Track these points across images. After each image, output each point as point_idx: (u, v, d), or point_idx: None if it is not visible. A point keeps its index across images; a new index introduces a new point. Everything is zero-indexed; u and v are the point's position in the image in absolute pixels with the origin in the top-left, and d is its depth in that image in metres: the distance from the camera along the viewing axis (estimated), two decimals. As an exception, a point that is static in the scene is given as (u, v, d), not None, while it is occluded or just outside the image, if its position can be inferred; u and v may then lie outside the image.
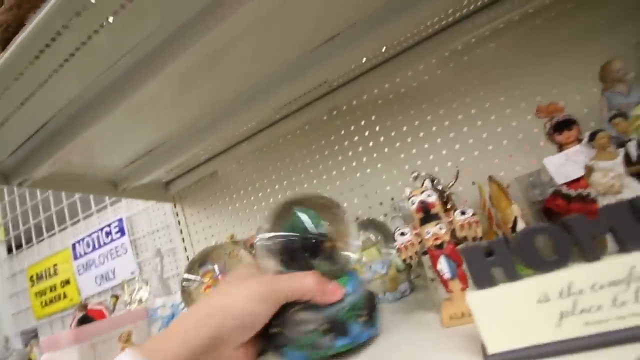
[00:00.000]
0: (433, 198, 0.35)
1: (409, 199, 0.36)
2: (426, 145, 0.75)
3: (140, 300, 0.65)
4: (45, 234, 1.47)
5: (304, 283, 0.31)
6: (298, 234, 0.33)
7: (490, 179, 0.40)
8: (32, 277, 1.49)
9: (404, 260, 0.36)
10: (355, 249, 0.37)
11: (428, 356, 0.27)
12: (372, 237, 0.54)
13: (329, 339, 0.30)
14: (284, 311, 0.31)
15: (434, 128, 0.75)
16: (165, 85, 0.61)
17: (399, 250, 0.36)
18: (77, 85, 0.56)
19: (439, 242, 0.34)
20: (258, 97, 0.73)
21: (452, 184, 0.55)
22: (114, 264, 1.26)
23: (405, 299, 0.49)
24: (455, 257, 0.33)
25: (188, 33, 0.50)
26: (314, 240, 0.33)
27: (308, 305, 0.31)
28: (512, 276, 0.23)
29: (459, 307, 0.32)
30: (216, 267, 0.47)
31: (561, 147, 0.47)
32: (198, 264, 0.47)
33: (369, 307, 0.33)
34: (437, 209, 0.35)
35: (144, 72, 0.55)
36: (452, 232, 0.34)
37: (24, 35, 0.43)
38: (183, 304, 0.56)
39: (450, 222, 0.35)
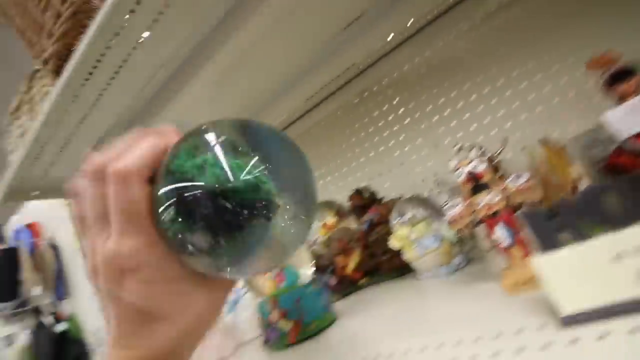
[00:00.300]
0: (481, 167, 0.34)
1: (456, 171, 0.35)
2: (467, 115, 0.72)
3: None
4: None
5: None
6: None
7: (543, 142, 0.38)
8: (108, 277, 1.65)
9: (457, 233, 0.36)
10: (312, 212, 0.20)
11: (500, 322, 0.27)
12: (420, 212, 0.54)
13: None
14: None
15: (473, 96, 0.71)
16: (200, 88, 0.64)
17: (450, 223, 0.35)
18: (125, 100, 0.60)
19: (493, 210, 0.33)
20: (288, 88, 0.73)
21: (500, 152, 0.53)
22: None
23: (460, 272, 0.48)
24: (512, 224, 0.32)
25: (216, 37, 0.52)
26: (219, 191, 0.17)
27: None
28: (581, 236, 0.22)
29: (521, 274, 0.31)
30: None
31: (621, 100, 0.43)
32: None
33: None
34: (487, 177, 0.34)
35: (179, 80, 0.59)
36: (507, 199, 0.33)
37: (75, 60, 0.47)
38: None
39: (504, 190, 0.34)
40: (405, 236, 0.51)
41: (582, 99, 0.61)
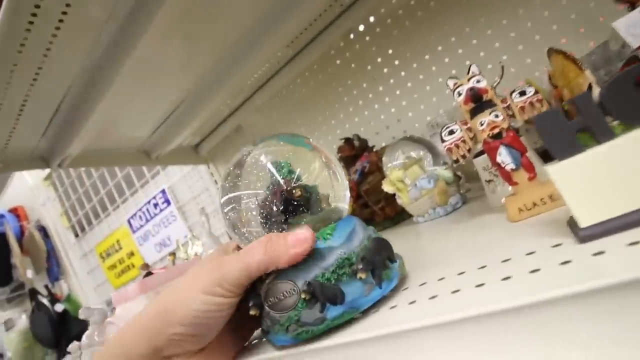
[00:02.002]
0: (484, 83, 0.30)
1: (454, 90, 0.31)
2: (460, 51, 0.67)
3: (195, 254, 0.68)
4: (102, 215, 1.58)
5: (249, 253, 0.23)
6: (261, 191, 0.25)
7: (552, 50, 0.34)
8: (101, 254, 1.63)
9: (456, 162, 0.32)
10: (344, 189, 0.28)
11: (510, 247, 0.24)
12: (413, 154, 0.50)
13: (317, 311, 0.22)
14: (261, 285, 0.25)
15: (466, 29, 0.66)
16: (164, 43, 0.58)
17: (449, 150, 0.32)
18: (78, 54, 0.53)
19: (496, 131, 0.29)
20: (265, 32, 0.67)
21: (498, 83, 0.48)
22: (168, 231, 1.33)
23: (458, 212, 0.46)
24: (517, 145, 0.29)
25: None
26: (285, 194, 0.25)
27: (282, 271, 0.23)
28: (605, 135, 0.19)
29: (528, 198, 0.28)
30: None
31: (633, 5, 0.39)
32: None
33: (371, 261, 0.23)
34: (491, 94, 0.30)
35: (131, 31, 0.52)
36: (510, 121, 0.30)
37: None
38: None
39: (507, 108, 0.30)
40: (399, 179, 0.48)
41: (584, 21, 0.56)
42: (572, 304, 0.15)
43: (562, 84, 0.33)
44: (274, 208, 0.25)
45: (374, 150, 0.65)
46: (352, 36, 0.77)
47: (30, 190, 1.86)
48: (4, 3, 0.42)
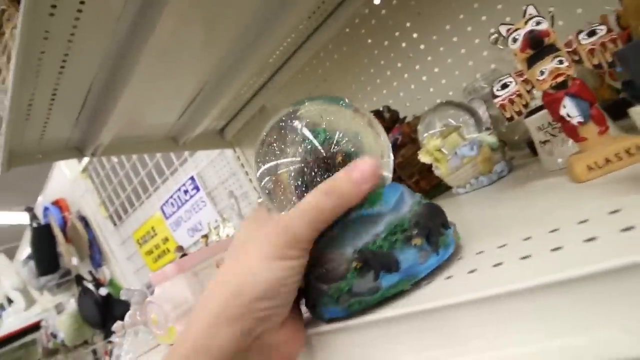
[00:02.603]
0: (545, 25, 0.26)
1: (508, 37, 0.27)
2: (499, 6, 0.61)
3: (227, 236, 0.68)
4: (136, 204, 1.64)
5: (314, 204, 0.21)
6: (299, 159, 0.24)
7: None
8: (138, 240, 1.70)
9: (509, 119, 0.29)
10: (386, 150, 0.26)
11: (581, 208, 0.21)
12: (452, 120, 0.46)
13: (370, 280, 0.20)
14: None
15: (503, -17, 0.60)
16: (182, 25, 0.56)
17: (502, 107, 0.28)
18: (100, 40, 0.53)
19: (561, 79, 0.25)
20: (285, 4, 0.64)
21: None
22: (199, 216, 1.36)
23: (504, 180, 0.42)
24: (586, 95, 0.25)
25: None
26: (324, 161, 0.23)
27: (332, 238, 0.22)
28: None
29: (600, 153, 0.24)
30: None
31: None
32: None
33: (425, 227, 0.21)
34: (553, 38, 0.26)
35: (149, 15, 0.51)
36: (577, 63, 0.26)
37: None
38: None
39: (573, 52, 0.26)
40: (437, 148, 0.45)
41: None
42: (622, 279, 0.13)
43: (636, 23, 0.28)
44: (312, 176, 0.23)
45: (406, 121, 0.61)
46: (377, 1, 0.72)
47: (69, 182, 1.95)
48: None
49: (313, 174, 0.23)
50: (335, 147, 0.24)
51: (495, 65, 0.60)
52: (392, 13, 0.71)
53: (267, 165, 0.25)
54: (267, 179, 0.25)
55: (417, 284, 0.21)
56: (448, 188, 0.50)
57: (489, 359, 0.17)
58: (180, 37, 0.59)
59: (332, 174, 0.22)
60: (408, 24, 0.69)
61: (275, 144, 0.25)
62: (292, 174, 0.24)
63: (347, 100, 0.26)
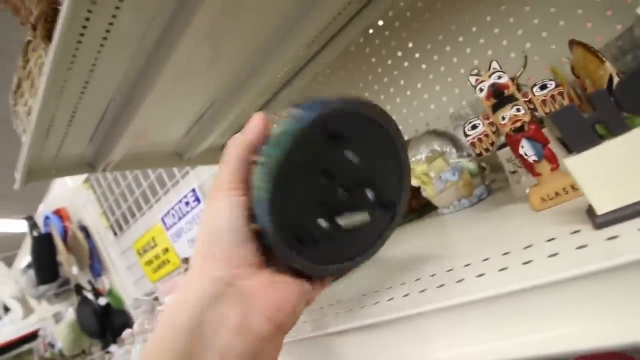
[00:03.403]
0: (505, 79, 0.31)
1: (476, 87, 0.32)
2: (482, 41, 0.67)
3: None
4: (137, 214, 1.68)
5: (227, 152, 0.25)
6: None
7: (573, 42, 0.34)
8: (138, 251, 1.73)
9: (479, 155, 0.34)
10: None
11: (532, 234, 0.25)
12: (437, 147, 0.52)
13: None
14: None
15: (488, 18, 0.66)
16: (195, 47, 0.61)
17: (472, 144, 0.33)
18: (120, 66, 0.58)
19: (518, 124, 0.30)
20: (287, 34, 0.69)
21: (521, 73, 0.49)
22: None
23: (483, 202, 0.47)
24: (539, 138, 0.30)
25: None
26: None
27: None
28: (619, 128, 0.20)
29: (551, 187, 0.29)
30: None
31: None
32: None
33: None
34: (512, 89, 0.31)
35: (169, 39, 0.56)
36: (532, 114, 0.31)
37: (62, 19, 0.45)
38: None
39: (529, 102, 0.31)
40: (424, 172, 0.50)
41: (611, 4, 0.55)
42: (586, 283, 0.17)
43: (584, 74, 0.34)
44: None
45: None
46: (371, 31, 0.78)
47: (71, 192, 1.99)
48: (58, 24, 0.46)
49: None
50: None
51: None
52: (385, 42, 0.77)
53: None
54: None
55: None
56: (435, 207, 0.55)
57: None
58: (194, 59, 0.64)
59: None
60: (400, 53, 0.75)
61: None
62: None
63: None
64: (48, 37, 0.50)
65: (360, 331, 0.26)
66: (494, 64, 0.32)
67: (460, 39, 0.68)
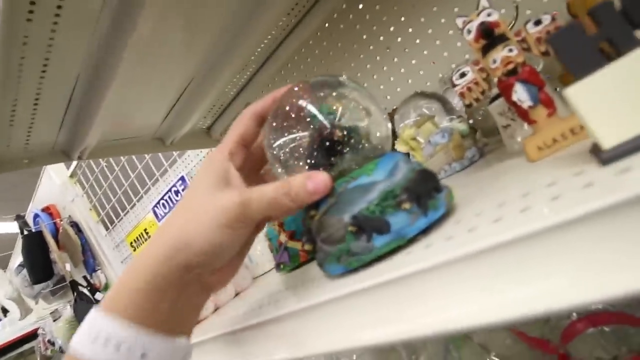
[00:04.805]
0: (495, 16, 0.28)
1: (464, 28, 0.29)
2: (469, -2, 0.63)
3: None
4: (127, 207, 1.64)
5: (278, 191, 0.25)
6: (305, 133, 0.27)
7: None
8: (131, 243, 1.70)
9: (468, 106, 0.31)
10: (385, 123, 0.30)
11: (530, 182, 0.23)
12: (426, 110, 0.48)
13: (365, 241, 0.23)
14: (311, 222, 0.26)
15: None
16: (163, 23, 0.57)
17: (461, 95, 0.30)
18: (81, 42, 0.54)
19: (511, 66, 0.27)
20: (263, 1, 0.65)
21: (512, 25, 0.45)
22: (190, 217, 1.37)
23: (475, 165, 0.44)
24: (534, 80, 0.27)
25: None
26: (324, 135, 0.26)
27: (332, 205, 0.25)
28: (629, 44, 0.17)
29: (548, 134, 0.26)
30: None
31: None
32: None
33: (415, 192, 0.24)
34: (503, 28, 0.28)
35: (128, 13, 0.52)
36: (527, 51, 0.28)
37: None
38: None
39: (522, 41, 0.28)
40: (412, 137, 0.47)
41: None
42: (597, 223, 0.15)
43: (583, 10, 0.30)
44: (316, 150, 0.27)
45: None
46: (355, -4, 0.74)
47: (58, 188, 1.94)
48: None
49: (316, 147, 0.27)
50: (338, 122, 0.27)
51: (469, 55, 0.62)
52: (370, 7, 0.72)
53: (281, 140, 0.28)
54: (279, 150, 0.28)
55: (411, 241, 0.24)
56: (426, 175, 0.52)
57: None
58: (162, 36, 0.60)
59: (334, 148, 0.26)
60: (385, 18, 0.71)
61: (286, 121, 0.28)
62: (300, 148, 0.27)
63: (345, 77, 0.30)
64: None
65: (349, 298, 0.23)
66: (483, 2, 0.29)
67: (448, -4, 0.64)
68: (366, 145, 0.27)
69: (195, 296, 0.27)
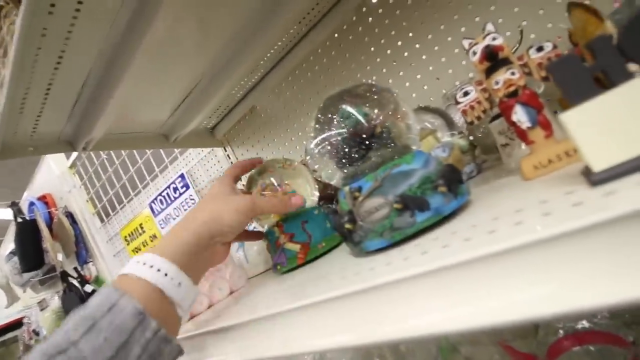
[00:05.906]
0: (500, 40, 0.29)
1: (469, 50, 0.31)
2: (477, 19, 0.65)
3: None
4: (125, 200, 1.64)
5: (281, 202, 0.43)
6: (346, 130, 0.33)
7: (571, 4, 0.33)
8: (125, 237, 1.70)
9: (470, 123, 0.32)
10: (415, 125, 0.35)
11: (523, 199, 0.24)
12: (429, 125, 0.50)
13: (408, 216, 0.27)
14: (353, 203, 0.30)
15: (484, -4, 0.64)
16: (177, 25, 0.59)
17: (463, 112, 0.32)
18: (97, 38, 0.55)
19: (512, 89, 0.29)
20: (277, 8, 0.67)
21: (517, 48, 0.47)
22: (187, 214, 1.37)
23: (473, 180, 0.46)
24: (534, 103, 0.29)
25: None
26: (364, 132, 0.32)
27: (377, 188, 0.29)
28: (622, 76, 0.19)
29: (544, 155, 0.28)
30: (273, 179, 0.47)
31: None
32: (257, 177, 0.48)
33: (446, 178, 0.28)
34: (506, 52, 0.29)
35: (146, 12, 0.53)
36: (527, 75, 0.29)
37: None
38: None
39: (524, 65, 0.29)
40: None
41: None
42: (583, 238, 0.16)
43: (584, 40, 0.32)
44: (353, 146, 0.32)
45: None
46: (364, 9, 0.76)
47: (57, 178, 1.94)
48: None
49: (353, 143, 0.33)
50: (375, 121, 0.33)
51: (473, 74, 0.64)
52: (379, 22, 0.74)
53: (320, 136, 0.35)
54: (319, 147, 0.35)
55: (445, 219, 0.28)
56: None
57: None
58: (175, 36, 0.62)
59: (371, 143, 0.32)
60: (393, 32, 0.73)
61: (326, 121, 0.34)
62: (339, 144, 0.33)
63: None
64: (20, 2, 0.47)
65: (344, 299, 0.24)
66: (489, 26, 0.30)
67: (455, 16, 0.66)
68: (397, 142, 0.33)
69: (209, 260, 0.39)
